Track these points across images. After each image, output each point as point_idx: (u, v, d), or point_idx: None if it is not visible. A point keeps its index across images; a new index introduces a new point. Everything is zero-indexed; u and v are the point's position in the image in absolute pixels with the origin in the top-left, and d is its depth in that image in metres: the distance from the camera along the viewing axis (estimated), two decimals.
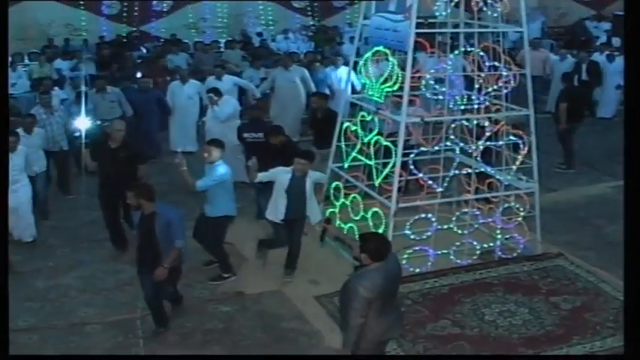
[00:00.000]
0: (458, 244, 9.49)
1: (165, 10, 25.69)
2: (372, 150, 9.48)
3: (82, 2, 24.37)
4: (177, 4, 25.69)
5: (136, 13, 25.31)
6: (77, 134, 11.89)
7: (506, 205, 9.62)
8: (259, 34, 24.52)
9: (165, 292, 8.02)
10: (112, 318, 8.41)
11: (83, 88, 14.04)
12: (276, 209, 8.96)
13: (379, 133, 9.57)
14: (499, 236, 9.62)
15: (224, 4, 26.16)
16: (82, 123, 11.37)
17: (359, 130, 9.74)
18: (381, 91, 9.23)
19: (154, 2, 25.46)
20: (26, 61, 20.14)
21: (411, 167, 9.10)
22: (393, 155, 9.04)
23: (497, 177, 9.52)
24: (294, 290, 9.01)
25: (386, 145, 9.25)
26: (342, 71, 15.49)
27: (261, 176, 9.05)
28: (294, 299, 8.80)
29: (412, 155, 9.04)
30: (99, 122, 12.73)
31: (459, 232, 9.56)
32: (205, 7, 25.95)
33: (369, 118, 9.70)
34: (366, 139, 9.57)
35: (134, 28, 25.04)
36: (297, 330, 8.16)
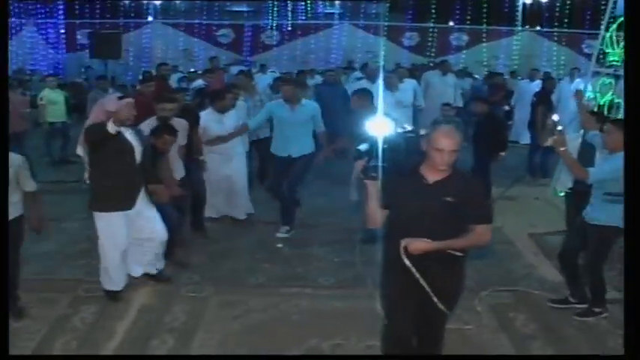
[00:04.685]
0: None
1: (463, 45, 27.03)
2: (605, 109, 9.76)
3: (385, 32, 26.39)
4: (474, 40, 26.98)
5: (434, 46, 26.89)
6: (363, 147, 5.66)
7: None
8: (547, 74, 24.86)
9: None
10: None
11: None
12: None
13: None
14: None
15: (517, 45, 26.91)
16: (379, 127, 5.02)
17: (597, 96, 10.08)
18: (620, 54, 9.61)
19: (452, 37, 26.84)
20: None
21: None
22: None
23: None
24: (513, 227, 9.49)
25: None
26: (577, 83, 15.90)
27: None
28: (510, 233, 9.26)
29: None
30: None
31: None
32: (500, 47, 26.81)
33: (607, 82, 10.00)
34: (601, 101, 9.87)
35: (428, 60, 26.48)
36: (504, 250, 8.65)
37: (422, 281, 4.58)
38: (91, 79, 19.91)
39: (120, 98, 6.63)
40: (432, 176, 4.56)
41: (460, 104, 15.60)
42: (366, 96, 8.67)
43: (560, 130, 6.45)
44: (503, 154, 10.15)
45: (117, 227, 6.76)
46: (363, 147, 4.90)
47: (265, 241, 8.84)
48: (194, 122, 8.73)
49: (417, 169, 4.62)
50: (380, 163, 4.69)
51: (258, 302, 6.89)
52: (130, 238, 6.91)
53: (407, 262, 4.53)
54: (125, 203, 6.76)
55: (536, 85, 16.64)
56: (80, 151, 7.03)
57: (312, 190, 11.07)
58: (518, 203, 10.82)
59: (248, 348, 5.98)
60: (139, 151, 6.79)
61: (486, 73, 21.52)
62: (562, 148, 6.27)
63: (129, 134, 6.71)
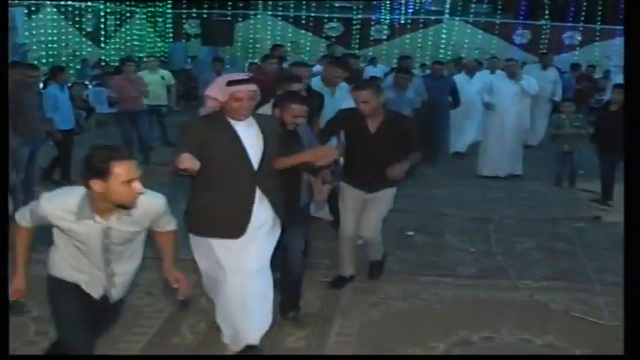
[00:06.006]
0: None
1: (576, 44, 26.25)
2: None
3: (496, 29, 25.72)
4: (587, 39, 26.23)
5: (546, 44, 26.06)
6: None
7: None
8: None
9: None
10: None
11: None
12: None
13: None
14: None
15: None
16: None
17: None
18: None
19: (565, 36, 25.93)
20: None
21: None
22: None
23: None
24: None
25: None
26: None
27: None
28: None
29: None
30: None
31: None
32: (613, 46, 25.79)
33: None
34: None
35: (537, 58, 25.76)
36: None
37: None
38: (198, 67, 19.83)
39: (231, 82, 4.66)
40: None
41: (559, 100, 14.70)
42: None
43: None
44: None
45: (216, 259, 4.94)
46: None
47: (393, 229, 8.34)
48: (317, 108, 7.37)
49: None
50: None
51: (395, 290, 6.44)
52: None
53: None
54: (228, 228, 4.83)
55: None
56: None
57: (436, 183, 10.98)
58: None
59: (393, 338, 5.50)
60: (258, 151, 4.81)
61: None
62: None
63: (246, 129, 4.77)
